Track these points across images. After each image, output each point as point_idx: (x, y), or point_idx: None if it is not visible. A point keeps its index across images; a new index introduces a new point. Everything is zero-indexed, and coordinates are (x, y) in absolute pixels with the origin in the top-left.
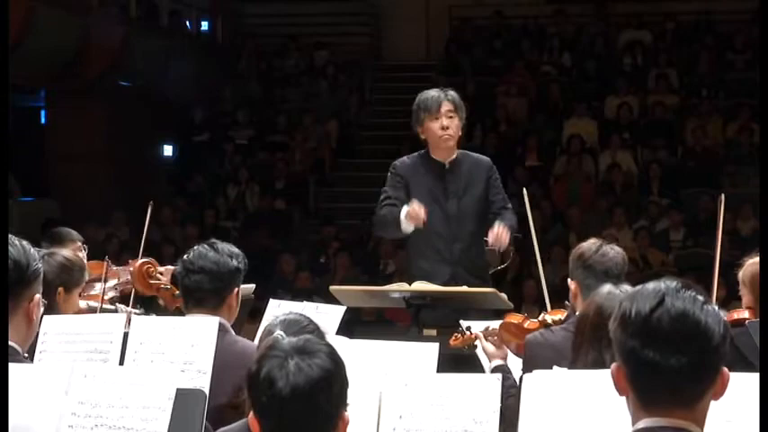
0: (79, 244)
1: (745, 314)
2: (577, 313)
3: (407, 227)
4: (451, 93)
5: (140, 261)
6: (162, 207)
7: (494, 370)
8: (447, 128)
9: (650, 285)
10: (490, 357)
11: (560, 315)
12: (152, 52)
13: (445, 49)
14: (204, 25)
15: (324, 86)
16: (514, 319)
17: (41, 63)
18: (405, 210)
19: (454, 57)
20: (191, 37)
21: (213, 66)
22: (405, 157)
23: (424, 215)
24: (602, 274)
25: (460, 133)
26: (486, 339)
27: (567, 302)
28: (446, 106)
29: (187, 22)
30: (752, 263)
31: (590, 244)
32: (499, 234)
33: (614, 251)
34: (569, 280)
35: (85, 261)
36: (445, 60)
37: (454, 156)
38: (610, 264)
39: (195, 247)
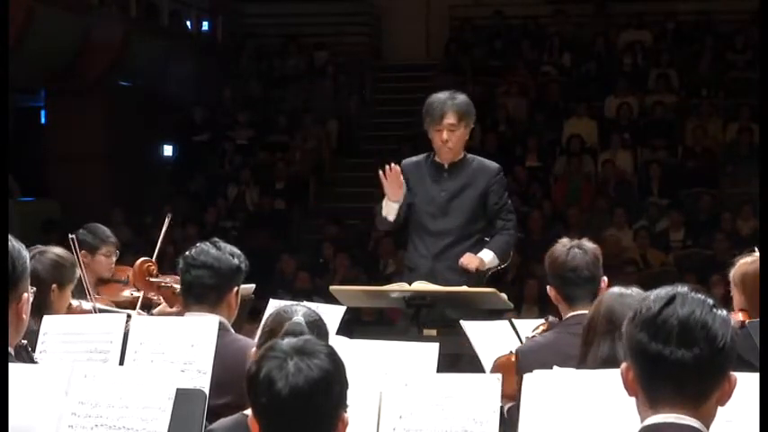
0: (113, 248)
1: (740, 316)
2: (572, 314)
3: (388, 206)
4: (458, 100)
5: (141, 260)
6: (162, 207)
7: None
8: (447, 141)
9: (663, 289)
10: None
11: (543, 327)
12: (152, 52)
13: (445, 49)
14: (204, 25)
15: (324, 86)
16: (502, 358)
17: (41, 63)
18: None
19: (454, 57)
20: (191, 37)
21: (213, 66)
22: (413, 157)
23: (397, 176)
24: (571, 272)
25: (467, 138)
26: None
27: (549, 317)
28: (449, 119)
29: (187, 22)
30: (743, 263)
31: (561, 249)
32: (468, 261)
33: (582, 250)
34: (548, 286)
35: (113, 264)
36: (445, 60)
37: (456, 159)
38: (575, 262)
39: (198, 245)
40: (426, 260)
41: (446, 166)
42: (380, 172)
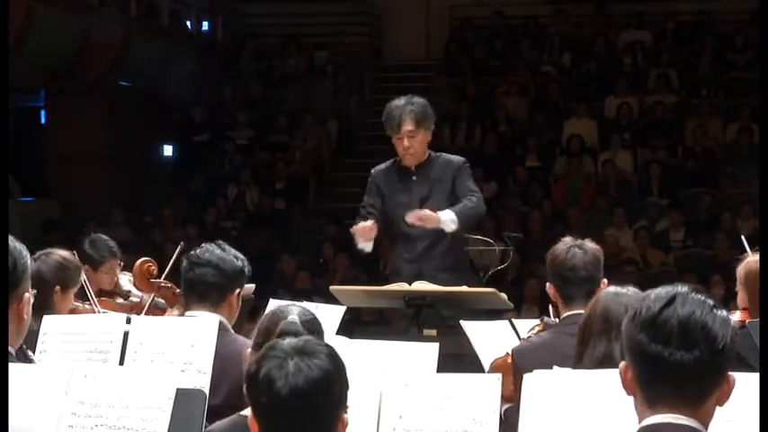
0: (116, 262)
1: (741, 315)
2: (568, 314)
3: (363, 245)
4: (414, 106)
5: (141, 260)
6: (162, 207)
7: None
8: (408, 148)
9: (663, 288)
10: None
11: (538, 328)
12: (152, 52)
13: (445, 49)
14: (204, 25)
15: (324, 86)
16: (498, 360)
17: (41, 63)
18: (353, 228)
19: (454, 57)
20: (191, 37)
21: (213, 66)
22: (381, 164)
23: (370, 231)
24: (569, 271)
25: (429, 139)
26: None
27: (544, 317)
28: (407, 126)
29: (187, 22)
30: (750, 260)
31: (561, 247)
32: (418, 214)
33: (582, 250)
34: (547, 284)
35: (116, 277)
36: (445, 60)
37: (422, 161)
38: (573, 261)
39: (202, 245)
40: (412, 264)
41: (413, 168)
42: (355, 226)
